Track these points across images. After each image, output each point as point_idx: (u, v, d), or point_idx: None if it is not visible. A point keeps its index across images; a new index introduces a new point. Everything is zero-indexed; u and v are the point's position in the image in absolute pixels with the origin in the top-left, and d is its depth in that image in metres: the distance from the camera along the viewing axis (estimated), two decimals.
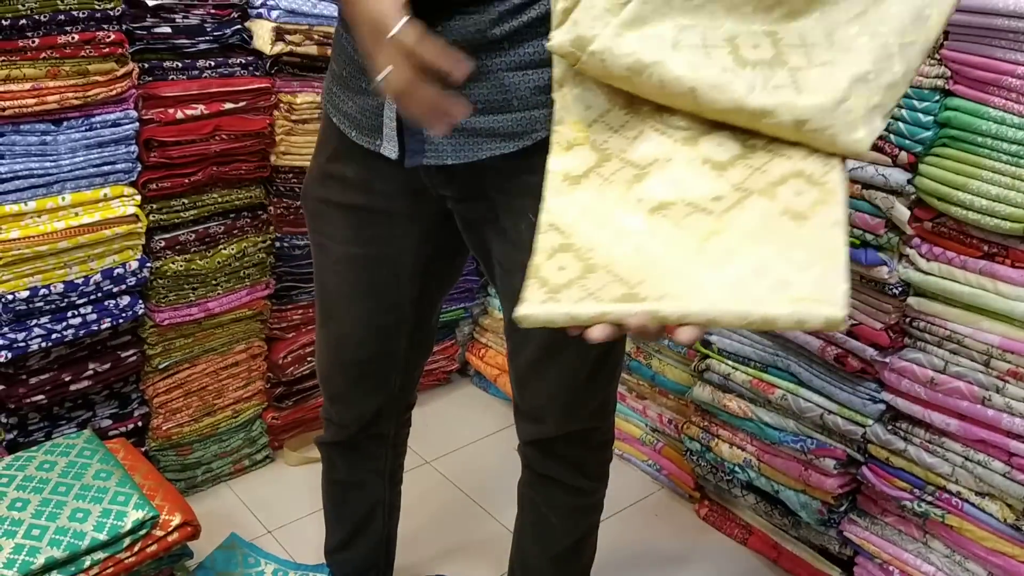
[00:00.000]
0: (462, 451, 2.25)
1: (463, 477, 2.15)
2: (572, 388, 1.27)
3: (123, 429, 1.87)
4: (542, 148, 0.97)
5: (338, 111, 1.18)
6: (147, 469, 1.63)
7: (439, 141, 1.07)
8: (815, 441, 1.71)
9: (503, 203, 1.12)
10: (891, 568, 1.66)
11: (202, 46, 1.75)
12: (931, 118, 1.41)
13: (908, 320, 1.53)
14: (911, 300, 1.52)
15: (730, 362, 1.82)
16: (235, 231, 1.89)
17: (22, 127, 1.56)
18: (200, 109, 1.75)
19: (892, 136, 1.46)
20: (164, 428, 1.93)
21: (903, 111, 1.43)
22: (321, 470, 1.57)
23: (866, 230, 1.52)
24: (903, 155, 1.45)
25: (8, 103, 1.52)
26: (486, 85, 1.03)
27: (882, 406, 1.60)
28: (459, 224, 1.22)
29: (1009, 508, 1.48)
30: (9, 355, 1.64)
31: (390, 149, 1.11)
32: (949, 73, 1.39)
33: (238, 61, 1.80)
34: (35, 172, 1.59)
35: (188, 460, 2.00)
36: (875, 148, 1.48)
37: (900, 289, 1.52)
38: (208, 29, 1.75)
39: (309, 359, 2.11)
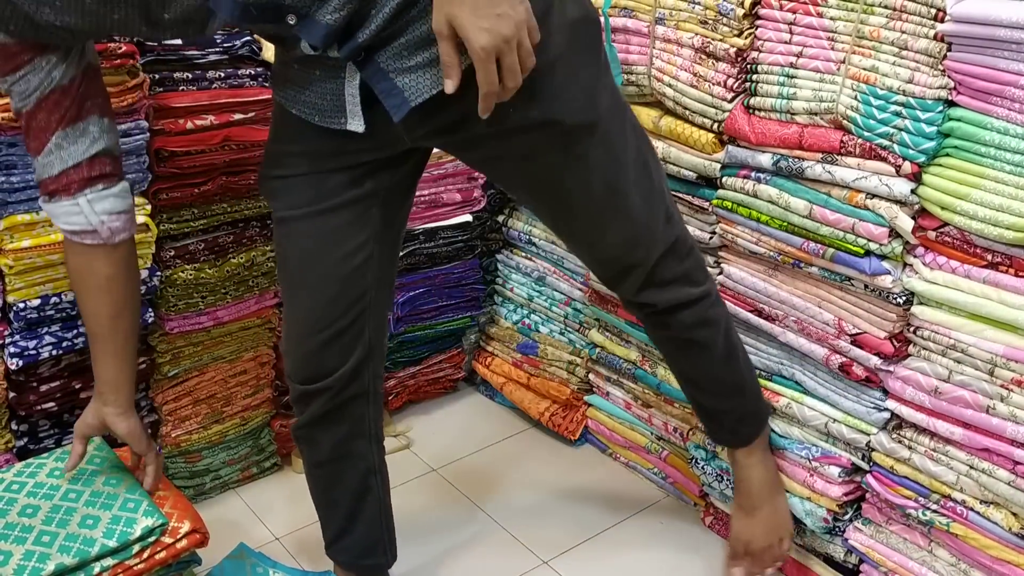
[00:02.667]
0: (468, 459, 2.26)
1: (470, 485, 2.15)
2: (634, 218, 1.37)
3: None
4: None
5: (298, 103, 1.27)
6: None
7: (410, 85, 1.13)
8: (820, 449, 1.72)
9: (487, 126, 1.15)
10: None
11: (212, 57, 1.77)
12: (934, 128, 1.42)
13: (912, 329, 1.54)
14: (915, 309, 1.52)
15: None
16: (244, 240, 1.90)
17: None
18: (210, 120, 1.76)
19: (896, 146, 1.47)
20: (173, 435, 1.94)
21: (907, 122, 1.44)
22: (304, 465, 1.59)
23: (870, 239, 1.52)
24: (907, 165, 1.46)
25: None
26: (425, 22, 1.08)
27: (887, 414, 1.60)
28: (474, 164, 1.42)
29: (1014, 516, 1.48)
30: (20, 363, 1.65)
31: (356, 124, 1.20)
32: (952, 84, 1.39)
33: (247, 72, 1.81)
34: None
35: (197, 467, 2.02)
36: (879, 158, 1.49)
37: (904, 298, 1.53)
38: (218, 40, 1.76)
39: None
